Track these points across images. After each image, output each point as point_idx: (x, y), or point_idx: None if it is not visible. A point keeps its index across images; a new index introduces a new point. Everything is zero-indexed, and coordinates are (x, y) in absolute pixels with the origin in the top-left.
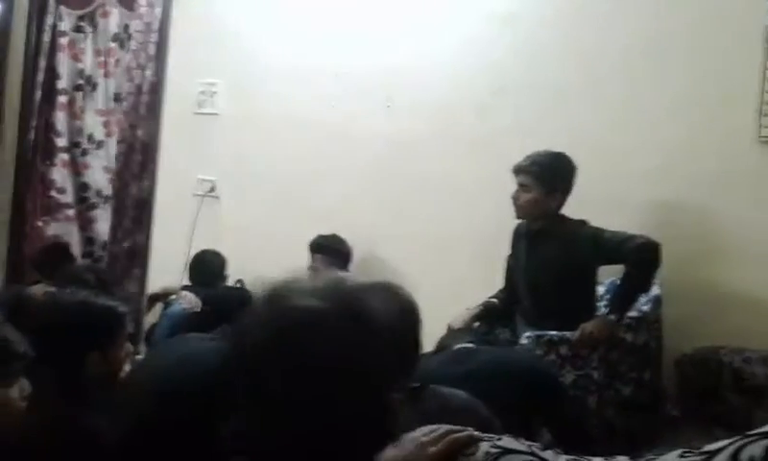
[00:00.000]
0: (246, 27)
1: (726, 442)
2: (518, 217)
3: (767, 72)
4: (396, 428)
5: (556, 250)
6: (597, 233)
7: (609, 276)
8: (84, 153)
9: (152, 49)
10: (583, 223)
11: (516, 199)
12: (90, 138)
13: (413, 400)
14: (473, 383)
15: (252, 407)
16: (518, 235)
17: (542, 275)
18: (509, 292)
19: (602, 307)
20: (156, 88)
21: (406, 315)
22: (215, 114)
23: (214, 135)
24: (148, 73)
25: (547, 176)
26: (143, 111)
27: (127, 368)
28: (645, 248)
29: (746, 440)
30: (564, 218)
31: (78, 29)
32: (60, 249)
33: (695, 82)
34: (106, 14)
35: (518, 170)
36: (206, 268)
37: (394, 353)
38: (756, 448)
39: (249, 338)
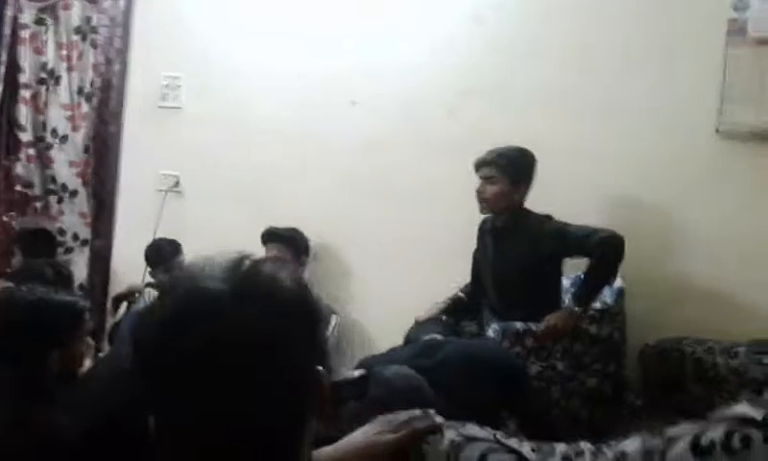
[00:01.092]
0: (210, 21)
1: (687, 427)
2: (484, 211)
3: (727, 66)
4: (325, 404)
5: (521, 244)
6: (562, 228)
7: (575, 269)
8: (49, 147)
9: (118, 43)
10: (548, 217)
11: (481, 192)
12: (54, 133)
13: (358, 387)
14: (441, 375)
15: (159, 397)
16: (484, 231)
17: (508, 269)
18: (475, 286)
19: (566, 300)
20: (122, 82)
21: (301, 284)
22: (178, 108)
23: (178, 130)
24: (116, 67)
25: (512, 167)
26: (113, 106)
27: (88, 363)
28: (609, 242)
29: (705, 425)
30: (528, 212)
31: (39, 21)
32: (47, 235)
33: (659, 77)
34: (67, 7)
35: (482, 163)
36: (156, 252)
37: (300, 322)
38: (715, 433)
39: (148, 327)
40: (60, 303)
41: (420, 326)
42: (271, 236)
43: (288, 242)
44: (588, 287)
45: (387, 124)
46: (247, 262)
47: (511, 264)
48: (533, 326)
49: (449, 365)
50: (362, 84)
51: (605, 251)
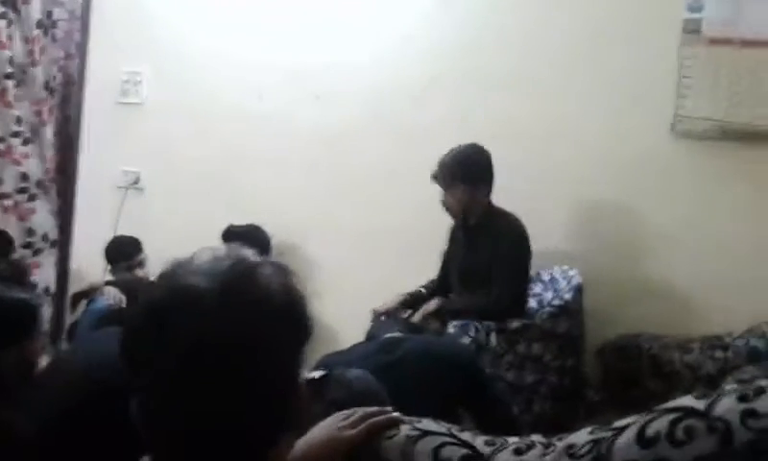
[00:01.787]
0: (171, 14)
1: (633, 418)
2: (454, 218)
3: (683, 63)
4: (303, 410)
5: (488, 244)
6: (515, 241)
7: (553, 263)
8: (26, 142)
9: (78, 37)
10: (514, 221)
11: (444, 203)
12: (31, 128)
13: (319, 388)
14: (401, 370)
15: (142, 389)
16: (456, 229)
17: (475, 267)
18: (440, 283)
19: (532, 300)
20: (81, 78)
21: (295, 293)
22: (139, 104)
23: (138, 126)
24: (76, 62)
25: (463, 171)
26: (74, 101)
27: (43, 361)
28: (500, 304)
29: (652, 415)
30: (497, 212)
31: (1, 15)
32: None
33: (616, 75)
34: (27, 0)
35: (436, 177)
36: (116, 250)
37: (287, 331)
38: (660, 423)
39: (136, 317)
40: (15, 300)
41: (380, 323)
42: (230, 235)
43: (250, 240)
44: (461, 308)
45: (353, 115)
46: (241, 264)
47: (478, 263)
48: (493, 324)
49: (409, 361)
50: (328, 75)
51: (493, 304)
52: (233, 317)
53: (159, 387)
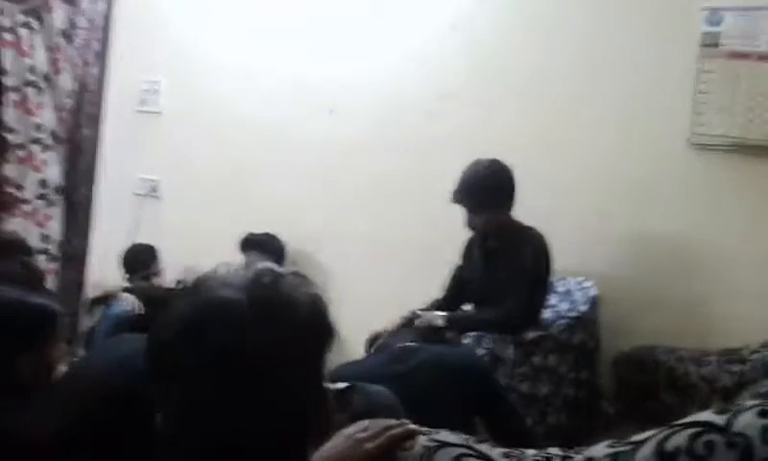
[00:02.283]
0: (190, 24)
1: (652, 432)
2: (480, 235)
3: (701, 77)
4: (329, 421)
5: (511, 262)
6: (535, 256)
7: (569, 274)
8: (46, 148)
9: (96, 46)
10: (537, 234)
11: (470, 224)
12: (52, 134)
13: (342, 400)
14: (414, 380)
15: (171, 402)
16: (472, 245)
17: (497, 288)
18: (450, 299)
19: (548, 311)
20: (101, 86)
21: (319, 302)
22: (158, 112)
23: (157, 134)
24: (94, 70)
25: (488, 197)
26: (89, 110)
27: (62, 368)
28: (508, 315)
29: (670, 430)
30: (518, 228)
31: (24, 24)
32: (18, 244)
33: (633, 88)
34: (50, 9)
35: (458, 200)
36: (134, 258)
37: (314, 339)
38: (680, 438)
39: (165, 330)
40: (35, 305)
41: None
42: (249, 243)
43: (266, 249)
44: (469, 321)
45: (366, 128)
46: (267, 276)
47: (498, 282)
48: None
49: (422, 371)
50: (341, 89)
51: (503, 317)
52: (264, 327)
53: (192, 399)
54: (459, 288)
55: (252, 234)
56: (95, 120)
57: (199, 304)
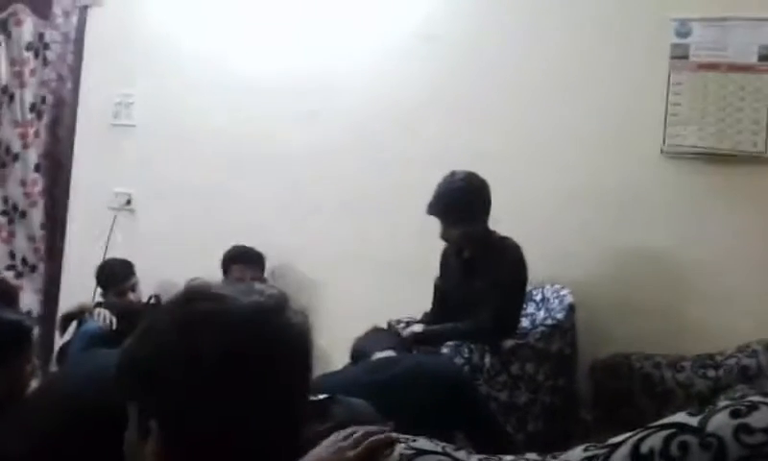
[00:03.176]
0: (164, 38)
1: (627, 435)
2: (454, 246)
3: (671, 88)
4: (304, 439)
5: (488, 272)
6: (511, 266)
7: (545, 282)
8: (3, 165)
9: (70, 59)
10: (513, 244)
11: (445, 237)
12: (8, 151)
13: (323, 411)
14: (393, 390)
15: (153, 409)
16: (448, 255)
17: (476, 298)
18: (439, 313)
19: (525, 320)
20: (75, 100)
21: (305, 326)
22: (132, 126)
23: (131, 147)
24: (69, 85)
25: (462, 211)
26: (66, 123)
27: (33, 384)
28: (483, 325)
29: (645, 432)
30: (494, 239)
31: None
32: None
33: (607, 100)
34: (19, 23)
35: (433, 212)
36: (108, 273)
37: (301, 362)
38: (654, 440)
39: (163, 338)
40: (6, 321)
41: (370, 338)
42: (242, 256)
43: (257, 262)
44: (446, 331)
45: (342, 137)
46: (256, 290)
47: (476, 292)
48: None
49: (402, 380)
50: (317, 98)
51: (480, 327)
52: (258, 332)
53: (192, 400)
54: (443, 301)
55: (237, 246)
56: (70, 134)
57: (188, 314)
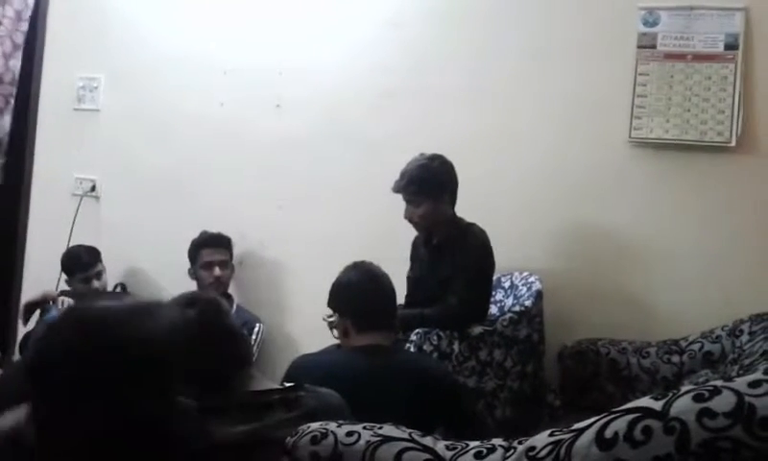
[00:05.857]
0: (130, 19)
1: (592, 419)
2: (420, 232)
3: (638, 79)
4: (183, 431)
5: (455, 258)
6: (478, 252)
7: (513, 269)
8: None
9: (19, 38)
10: (480, 231)
11: (409, 218)
12: None
13: (292, 399)
14: (385, 379)
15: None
16: (418, 245)
17: (443, 285)
18: (412, 304)
19: (493, 306)
20: (26, 81)
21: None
22: (96, 110)
23: (95, 132)
24: (12, 63)
25: (428, 186)
26: (1, 104)
27: None
28: (451, 309)
29: (610, 417)
30: (461, 224)
31: None
32: None
33: (574, 87)
34: None
35: (399, 190)
36: (73, 260)
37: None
38: (619, 424)
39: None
40: None
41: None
42: (211, 240)
43: (226, 245)
44: (413, 319)
45: (310, 124)
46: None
47: (443, 279)
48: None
49: (383, 371)
50: (285, 85)
51: (447, 314)
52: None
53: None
54: (416, 292)
55: (208, 233)
56: (23, 116)
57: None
